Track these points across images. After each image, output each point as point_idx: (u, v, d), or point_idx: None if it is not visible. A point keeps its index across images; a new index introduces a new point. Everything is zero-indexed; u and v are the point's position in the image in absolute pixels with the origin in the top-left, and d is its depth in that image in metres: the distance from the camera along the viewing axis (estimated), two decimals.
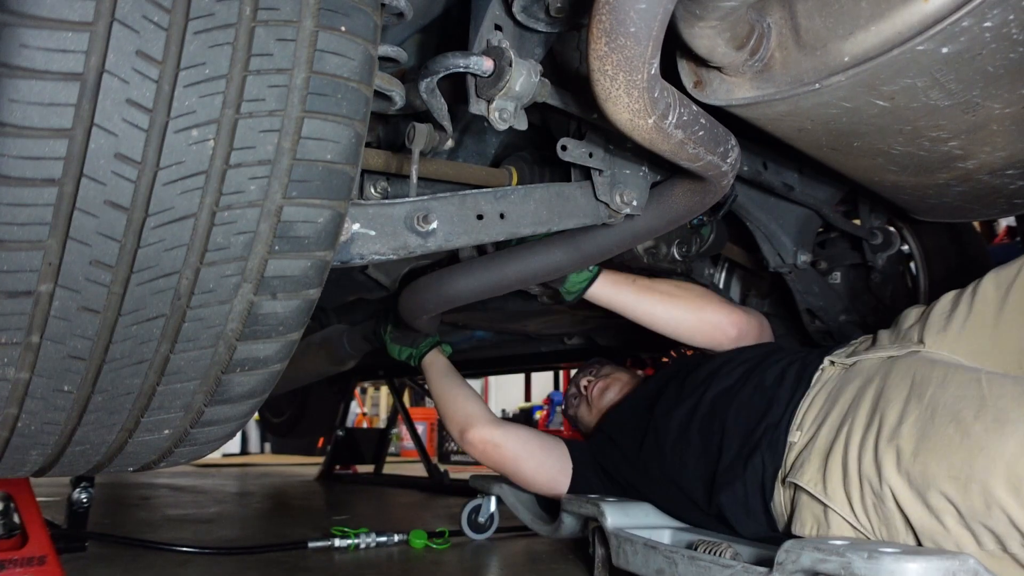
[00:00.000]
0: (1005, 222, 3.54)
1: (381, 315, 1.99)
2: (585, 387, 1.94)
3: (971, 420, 0.95)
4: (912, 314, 1.31)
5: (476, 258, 1.47)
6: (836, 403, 1.18)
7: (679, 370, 1.61)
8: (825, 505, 1.09)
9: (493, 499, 2.06)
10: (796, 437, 1.20)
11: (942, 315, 1.22)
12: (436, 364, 1.91)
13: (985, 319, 1.16)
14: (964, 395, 1.00)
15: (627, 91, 0.85)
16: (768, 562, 1.02)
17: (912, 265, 2.05)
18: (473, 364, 3.38)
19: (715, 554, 1.17)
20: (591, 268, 1.57)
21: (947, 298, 1.24)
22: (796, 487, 1.14)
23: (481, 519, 2.07)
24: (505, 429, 1.73)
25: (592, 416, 1.91)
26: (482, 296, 1.44)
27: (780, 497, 1.21)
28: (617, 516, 1.45)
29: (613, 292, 1.60)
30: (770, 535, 1.24)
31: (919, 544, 1.00)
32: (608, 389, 1.89)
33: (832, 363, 1.30)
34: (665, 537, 1.43)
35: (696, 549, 1.22)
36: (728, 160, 1.11)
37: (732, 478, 1.27)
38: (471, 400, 1.80)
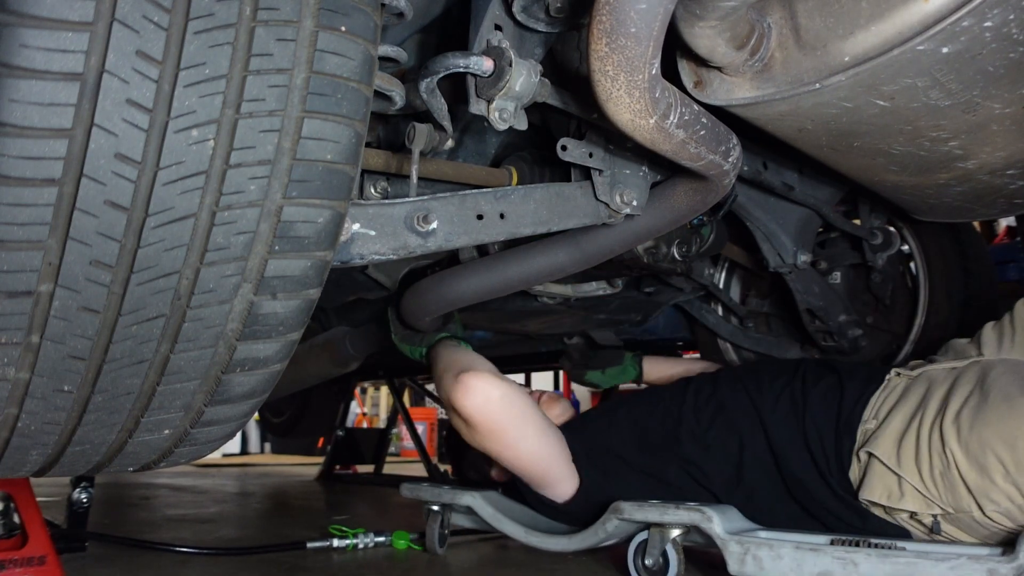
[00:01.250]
0: (1005, 222, 3.54)
1: (386, 317, 1.95)
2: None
3: (1018, 395, 1.18)
4: (961, 341, 1.52)
5: (478, 259, 1.47)
6: (907, 399, 1.36)
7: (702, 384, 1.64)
8: (899, 476, 1.27)
9: (446, 510, 1.79)
10: (872, 424, 1.37)
11: (992, 337, 1.44)
12: (446, 342, 1.71)
13: None
14: (1014, 379, 1.22)
15: (628, 92, 0.84)
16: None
17: (912, 265, 2.05)
18: None
19: (870, 547, 1.17)
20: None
21: (989, 326, 1.47)
22: (871, 456, 1.31)
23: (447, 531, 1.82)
24: (514, 384, 1.52)
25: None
26: (485, 297, 1.43)
27: (855, 467, 1.36)
28: (729, 520, 1.34)
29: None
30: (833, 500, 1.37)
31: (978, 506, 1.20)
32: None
33: (898, 374, 1.46)
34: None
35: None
36: (730, 159, 1.11)
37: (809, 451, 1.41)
38: (479, 357, 1.59)
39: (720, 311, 2.31)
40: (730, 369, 1.89)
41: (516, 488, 1.70)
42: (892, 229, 1.96)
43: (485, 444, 1.50)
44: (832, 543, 1.23)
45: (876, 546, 1.19)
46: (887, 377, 1.46)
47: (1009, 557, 1.08)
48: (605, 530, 1.47)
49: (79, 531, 1.82)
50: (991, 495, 1.16)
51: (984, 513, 1.19)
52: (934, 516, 1.25)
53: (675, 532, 1.38)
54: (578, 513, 1.57)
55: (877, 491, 1.30)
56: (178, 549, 1.77)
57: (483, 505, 1.69)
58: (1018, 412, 1.16)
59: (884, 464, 1.29)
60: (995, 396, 1.21)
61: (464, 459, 1.85)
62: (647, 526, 1.42)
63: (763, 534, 1.33)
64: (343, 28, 0.73)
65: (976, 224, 2.54)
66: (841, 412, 1.41)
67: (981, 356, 1.42)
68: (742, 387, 1.55)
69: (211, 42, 0.66)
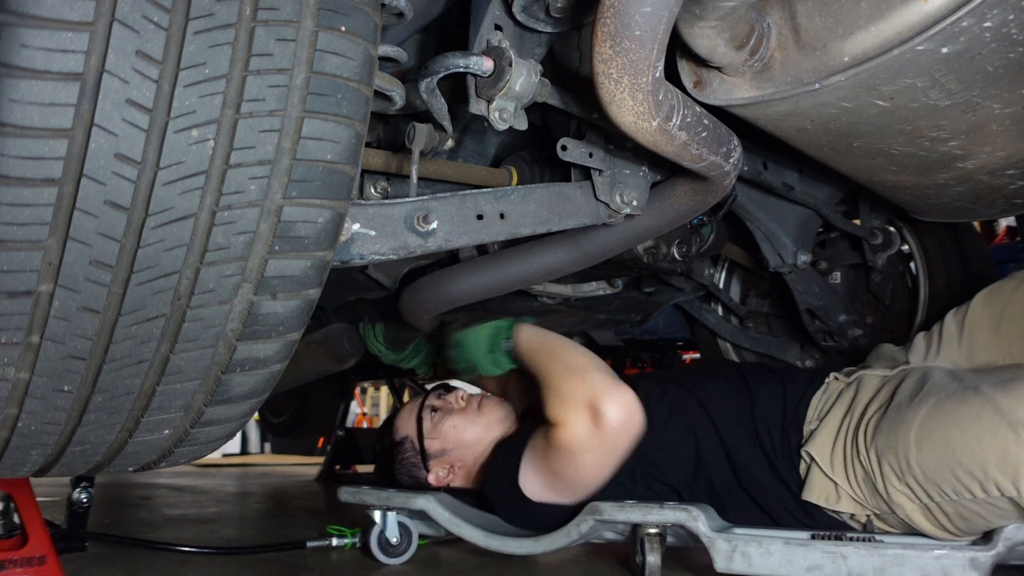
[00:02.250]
0: (1005, 222, 3.54)
1: (371, 318, 1.89)
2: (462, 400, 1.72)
3: (907, 404, 1.28)
4: (891, 347, 1.62)
5: (479, 257, 1.46)
6: (840, 404, 1.42)
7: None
8: (834, 481, 1.33)
9: (391, 515, 1.65)
10: (814, 425, 1.42)
11: (921, 345, 1.54)
12: (532, 326, 1.57)
13: (951, 344, 1.50)
14: (918, 388, 1.31)
15: (631, 94, 0.84)
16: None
17: (912, 265, 2.05)
18: None
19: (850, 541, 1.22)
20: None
21: (920, 335, 1.57)
22: (812, 458, 1.37)
23: (393, 539, 1.66)
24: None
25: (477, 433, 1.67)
26: (485, 295, 1.43)
27: (802, 466, 1.41)
28: (712, 518, 1.34)
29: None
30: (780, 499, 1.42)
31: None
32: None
33: (836, 378, 1.52)
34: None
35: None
36: (731, 160, 1.11)
37: (762, 454, 1.45)
38: (592, 355, 1.46)
39: (720, 311, 2.31)
40: (668, 373, 1.93)
41: (460, 492, 1.68)
42: (892, 229, 1.97)
43: (588, 455, 1.38)
44: (813, 538, 1.27)
45: (863, 539, 1.22)
46: (826, 380, 1.51)
47: (988, 546, 1.15)
48: (579, 531, 1.42)
49: (79, 531, 1.82)
50: (896, 499, 1.23)
51: (901, 515, 1.25)
52: (867, 516, 1.32)
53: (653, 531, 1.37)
54: (555, 517, 1.50)
55: (815, 493, 1.35)
56: (179, 548, 1.77)
57: (438, 508, 1.57)
58: (907, 420, 1.23)
59: (821, 469, 1.35)
60: (895, 405, 1.29)
61: (399, 464, 1.70)
62: (629, 527, 1.40)
63: (741, 530, 1.34)
64: (343, 28, 0.73)
65: (976, 224, 2.54)
66: (786, 410, 1.46)
67: (908, 364, 1.49)
68: (687, 389, 1.55)
69: (211, 42, 0.66)
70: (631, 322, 2.29)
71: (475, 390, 1.85)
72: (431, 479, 1.67)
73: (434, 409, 1.69)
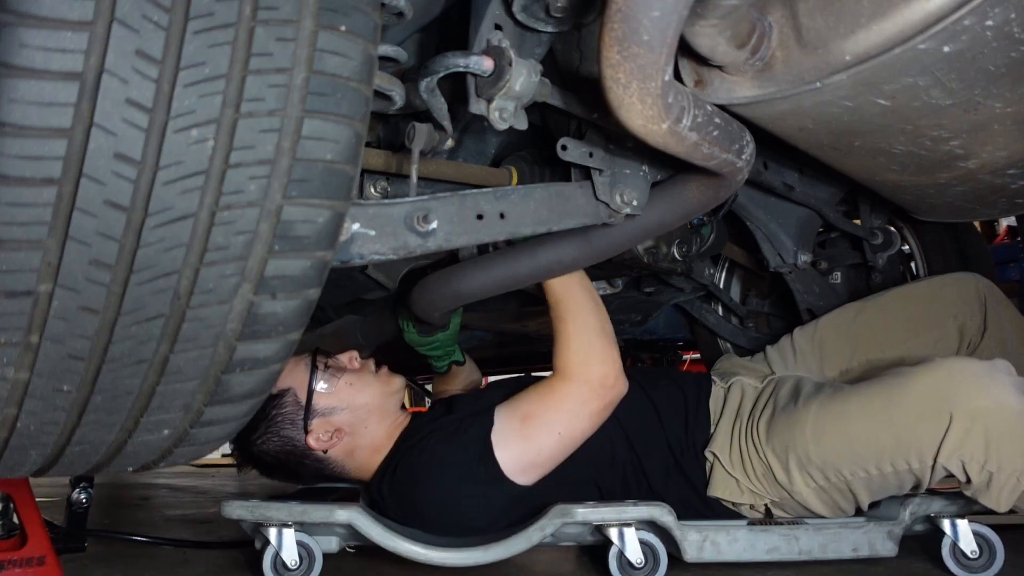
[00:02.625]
0: (1006, 222, 3.54)
1: (397, 309, 1.78)
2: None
3: (792, 409, 1.48)
4: (742, 359, 1.92)
5: (489, 253, 1.45)
6: (729, 406, 1.62)
7: None
8: (735, 478, 1.50)
9: (287, 532, 1.34)
10: (712, 428, 1.60)
11: (775, 357, 1.85)
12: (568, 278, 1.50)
13: (806, 354, 1.82)
14: (792, 395, 1.53)
15: (640, 99, 0.83)
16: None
17: (913, 265, 2.05)
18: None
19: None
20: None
21: (770, 348, 1.87)
22: (716, 457, 1.54)
23: (290, 561, 1.34)
24: None
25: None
26: (494, 292, 1.41)
27: (706, 465, 1.57)
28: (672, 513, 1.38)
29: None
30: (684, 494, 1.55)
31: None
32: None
33: (714, 382, 1.71)
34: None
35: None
36: (743, 156, 1.10)
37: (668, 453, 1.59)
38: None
39: (720, 311, 2.31)
40: None
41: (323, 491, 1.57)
42: (892, 229, 1.97)
43: (572, 418, 1.41)
44: (752, 523, 1.47)
45: (810, 523, 1.46)
46: (713, 383, 1.70)
47: (899, 520, 1.43)
48: (543, 534, 1.34)
49: (79, 531, 1.82)
50: (796, 485, 1.44)
51: (799, 500, 1.46)
52: (766, 505, 1.51)
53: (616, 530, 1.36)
54: (519, 511, 1.44)
55: (720, 488, 1.52)
56: (179, 542, 1.77)
57: (368, 522, 1.33)
58: (800, 421, 1.44)
59: (723, 467, 1.52)
60: (780, 409, 1.52)
61: (270, 421, 1.45)
62: (592, 527, 1.37)
63: (706, 522, 1.44)
64: (343, 28, 0.73)
65: (977, 224, 2.54)
66: (687, 412, 1.61)
67: (774, 374, 1.76)
68: None
69: (211, 42, 0.66)
70: (631, 322, 2.29)
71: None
72: (310, 440, 1.44)
73: (327, 365, 1.50)
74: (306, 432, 1.44)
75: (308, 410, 1.44)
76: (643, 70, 0.80)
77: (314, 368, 1.48)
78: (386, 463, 1.49)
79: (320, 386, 1.47)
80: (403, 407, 1.61)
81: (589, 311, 1.48)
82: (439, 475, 1.41)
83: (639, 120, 0.87)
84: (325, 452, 1.47)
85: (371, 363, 1.57)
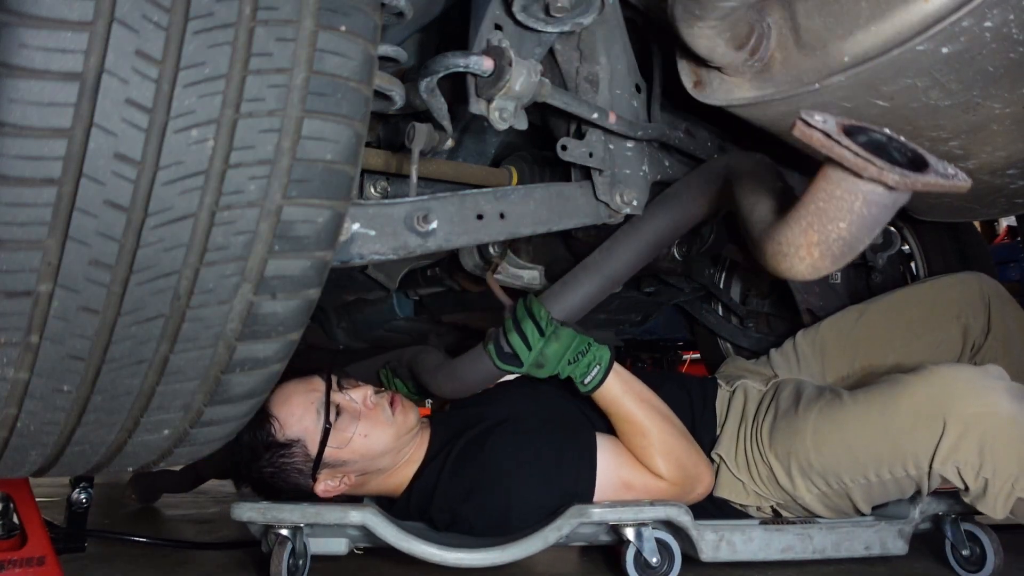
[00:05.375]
0: (1006, 222, 3.54)
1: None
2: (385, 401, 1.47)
3: (793, 415, 1.49)
4: (745, 361, 1.93)
5: (591, 258, 1.39)
6: (733, 409, 1.63)
7: None
8: (741, 480, 1.52)
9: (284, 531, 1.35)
10: (718, 429, 1.62)
11: (779, 361, 1.84)
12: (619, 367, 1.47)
13: (809, 358, 1.82)
14: (793, 400, 1.54)
15: None
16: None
17: (913, 265, 2.05)
18: None
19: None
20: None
21: (775, 351, 1.86)
22: (722, 459, 1.55)
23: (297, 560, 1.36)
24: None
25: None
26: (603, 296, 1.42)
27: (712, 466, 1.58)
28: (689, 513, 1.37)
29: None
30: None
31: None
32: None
33: (719, 385, 1.72)
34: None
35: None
36: None
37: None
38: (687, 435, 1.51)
39: (720, 311, 2.31)
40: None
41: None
42: (892, 229, 1.97)
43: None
44: (765, 522, 1.47)
45: (823, 522, 1.45)
46: (718, 385, 1.71)
47: (909, 519, 1.44)
48: (559, 534, 1.31)
49: (79, 531, 1.82)
50: (799, 491, 1.45)
51: (802, 504, 1.47)
52: (771, 507, 1.52)
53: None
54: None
55: (726, 490, 1.53)
56: (179, 542, 1.77)
57: (382, 523, 1.30)
58: (800, 429, 1.45)
59: (729, 469, 1.53)
60: (781, 413, 1.53)
61: (278, 468, 1.41)
62: (607, 527, 1.36)
63: (720, 522, 1.43)
64: (343, 28, 0.73)
65: (976, 224, 2.54)
66: (695, 413, 1.61)
67: (778, 377, 1.77)
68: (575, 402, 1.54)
69: (211, 42, 0.66)
70: (631, 322, 2.29)
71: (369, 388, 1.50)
72: (318, 489, 1.41)
73: (339, 410, 1.40)
74: (314, 480, 1.41)
75: (317, 464, 1.39)
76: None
77: (327, 425, 1.38)
78: (424, 475, 1.46)
79: (332, 442, 1.38)
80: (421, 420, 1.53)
81: (659, 409, 1.46)
82: (530, 478, 1.40)
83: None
84: (332, 496, 1.44)
85: (385, 402, 1.45)
